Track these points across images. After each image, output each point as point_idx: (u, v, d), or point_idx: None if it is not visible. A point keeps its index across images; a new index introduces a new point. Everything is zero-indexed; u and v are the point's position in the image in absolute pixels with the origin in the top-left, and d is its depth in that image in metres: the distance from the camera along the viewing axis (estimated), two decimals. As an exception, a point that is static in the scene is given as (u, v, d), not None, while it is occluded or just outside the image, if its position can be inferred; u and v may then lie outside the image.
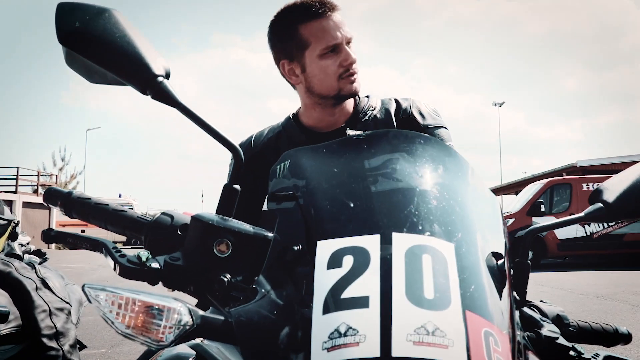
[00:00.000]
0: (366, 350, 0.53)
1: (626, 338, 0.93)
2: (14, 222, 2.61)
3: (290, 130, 1.46)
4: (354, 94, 1.36)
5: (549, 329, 0.79)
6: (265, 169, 1.40)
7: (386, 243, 0.62)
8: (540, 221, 13.03)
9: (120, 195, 30.80)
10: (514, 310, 0.69)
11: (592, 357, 0.77)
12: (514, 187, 29.83)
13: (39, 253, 2.91)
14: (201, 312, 0.61)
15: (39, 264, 2.55)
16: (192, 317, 0.59)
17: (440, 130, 1.43)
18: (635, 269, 11.53)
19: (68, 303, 2.26)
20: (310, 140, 1.36)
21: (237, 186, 0.83)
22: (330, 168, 0.77)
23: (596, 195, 0.90)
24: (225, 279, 0.69)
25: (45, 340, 2.05)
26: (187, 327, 0.59)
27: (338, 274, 0.60)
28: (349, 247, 0.62)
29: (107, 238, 0.77)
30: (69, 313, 2.24)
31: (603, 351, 0.81)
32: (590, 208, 0.89)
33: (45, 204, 0.92)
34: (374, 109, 1.45)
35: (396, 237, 0.63)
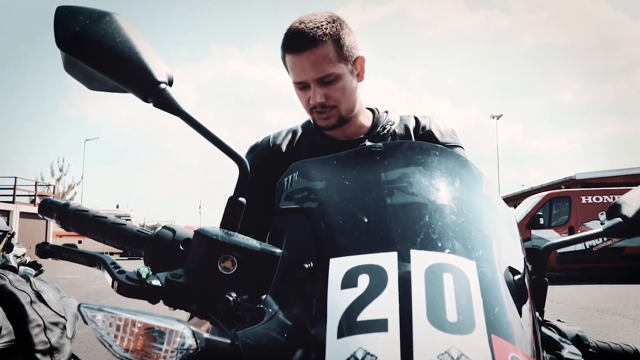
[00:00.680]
0: None
1: None
2: (9, 233, 2.56)
3: (311, 133, 1.45)
4: (326, 128, 1.36)
5: (569, 351, 0.76)
6: (283, 168, 1.39)
7: (404, 261, 0.58)
8: (539, 234, 13.04)
9: (117, 206, 30.70)
10: (538, 333, 0.65)
11: None
12: (513, 200, 29.79)
13: (34, 265, 2.85)
14: (206, 335, 0.56)
15: (35, 276, 2.50)
16: (196, 340, 0.55)
17: (457, 150, 1.42)
18: (636, 283, 11.48)
19: (63, 317, 2.21)
20: (332, 146, 1.38)
21: (242, 199, 0.79)
22: (341, 181, 0.73)
23: (615, 209, 0.87)
24: (231, 298, 0.65)
25: (39, 355, 1.99)
26: (191, 351, 0.55)
27: (353, 294, 0.56)
28: (365, 265, 0.58)
29: (104, 250, 0.73)
30: (64, 327, 2.18)
31: None
32: (609, 223, 0.85)
33: (40, 215, 0.88)
34: (393, 123, 1.45)
35: (415, 254, 0.59)
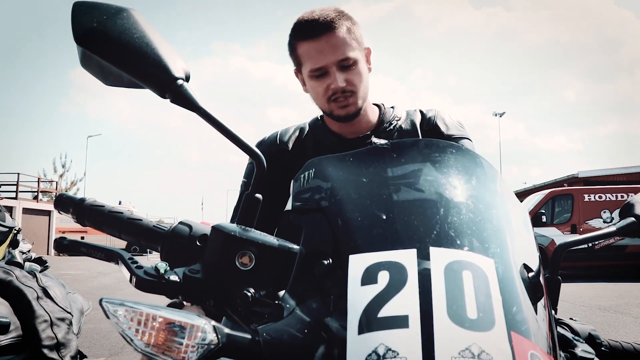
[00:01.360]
0: None
1: None
2: (15, 230, 2.57)
3: (318, 131, 1.44)
4: (345, 118, 1.33)
5: (583, 349, 0.76)
6: (291, 164, 1.34)
7: (423, 258, 0.58)
8: (541, 232, 13.03)
9: (120, 203, 30.74)
10: (555, 330, 0.66)
11: None
12: (515, 198, 29.72)
13: (39, 261, 2.86)
14: (227, 330, 0.56)
15: (40, 272, 2.50)
16: (217, 335, 0.55)
17: (464, 142, 1.41)
18: (638, 281, 11.47)
19: (69, 313, 2.22)
20: (339, 143, 1.38)
21: (259, 195, 0.79)
22: (358, 178, 0.73)
23: (627, 209, 0.87)
24: (249, 294, 0.65)
25: (46, 351, 2.00)
26: (212, 346, 0.55)
27: (373, 290, 0.56)
28: (384, 262, 0.58)
29: (106, 243, 0.73)
30: (70, 323, 2.19)
31: None
32: (622, 222, 0.86)
33: (56, 210, 0.88)
34: (399, 119, 1.44)
35: (434, 251, 0.59)
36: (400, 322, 0.53)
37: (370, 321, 0.54)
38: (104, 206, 0.84)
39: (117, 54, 0.75)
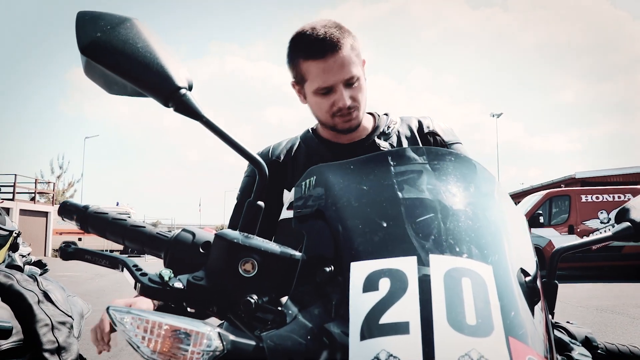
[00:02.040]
0: None
1: None
2: (15, 233, 2.57)
3: (309, 141, 1.49)
4: (350, 130, 1.38)
5: (580, 352, 0.77)
6: (283, 176, 1.44)
7: (423, 265, 0.59)
8: (538, 233, 13.06)
9: (117, 204, 30.65)
10: (552, 334, 0.67)
11: None
12: (513, 199, 29.62)
13: (39, 264, 2.87)
14: (232, 337, 0.58)
15: (40, 275, 2.51)
16: (222, 342, 0.57)
17: (458, 146, 1.47)
18: (634, 281, 11.51)
19: (70, 316, 2.23)
20: (329, 150, 1.44)
21: (261, 202, 0.81)
22: (359, 185, 0.74)
23: (623, 214, 0.88)
24: (252, 300, 0.66)
25: (47, 355, 2.01)
26: (217, 353, 0.56)
27: (375, 297, 0.57)
28: (385, 270, 0.60)
29: (104, 247, 0.74)
30: (71, 327, 2.20)
31: None
32: (618, 227, 0.87)
33: (60, 217, 0.89)
34: (396, 123, 1.48)
35: (433, 259, 0.60)
36: (401, 328, 0.54)
37: (372, 327, 0.55)
38: (107, 213, 0.85)
39: (121, 63, 0.76)
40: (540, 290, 0.67)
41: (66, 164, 35.78)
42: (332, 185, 0.75)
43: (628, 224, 0.86)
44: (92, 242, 26.01)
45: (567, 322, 0.87)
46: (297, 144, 1.50)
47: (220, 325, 0.76)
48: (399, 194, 0.71)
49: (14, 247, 2.58)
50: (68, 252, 0.76)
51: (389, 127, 1.46)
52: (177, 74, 0.78)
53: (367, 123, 1.46)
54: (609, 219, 13.63)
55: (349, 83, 1.31)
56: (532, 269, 0.68)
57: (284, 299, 0.70)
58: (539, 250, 12.77)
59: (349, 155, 1.36)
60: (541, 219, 13.65)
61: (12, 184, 26.67)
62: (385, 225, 0.66)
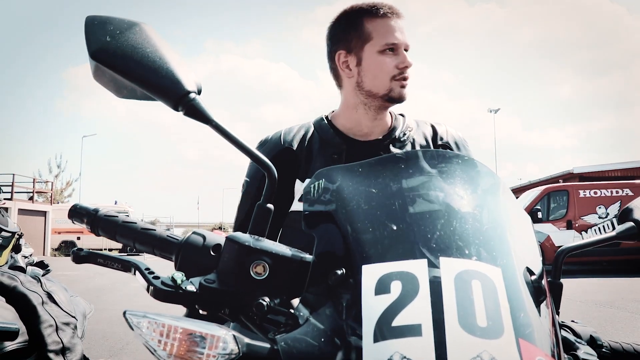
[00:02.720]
0: None
1: None
2: (17, 234, 2.57)
3: (324, 131, 1.45)
4: (402, 99, 1.37)
5: (585, 351, 0.78)
6: (297, 164, 1.42)
7: (434, 268, 0.61)
8: (537, 228, 13.07)
9: (116, 202, 30.53)
10: (559, 334, 0.68)
11: None
12: (510, 194, 29.81)
13: (41, 265, 2.87)
14: (246, 340, 0.59)
15: (42, 275, 2.51)
16: (237, 345, 0.58)
17: None
18: (633, 276, 11.55)
19: (74, 317, 2.23)
20: (345, 142, 1.41)
21: (270, 205, 0.81)
22: (368, 188, 0.75)
23: (627, 213, 0.89)
24: (265, 303, 0.67)
25: (52, 355, 2.02)
26: (233, 356, 0.57)
27: (387, 300, 0.58)
28: (396, 272, 0.61)
29: (102, 246, 0.75)
30: (75, 327, 2.21)
31: None
32: (622, 227, 0.87)
33: (70, 220, 0.89)
34: (411, 130, 1.46)
35: (444, 261, 0.61)
36: (413, 330, 0.55)
37: (385, 330, 0.56)
38: (117, 216, 0.86)
39: (131, 68, 0.77)
40: (546, 289, 0.68)
41: (64, 163, 35.83)
42: (342, 188, 0.76)
43: (632, 223, 0.86)
44: (91, 241, 26.01)
45: (572, 321, 0.88)
46: (311, 132, 1.46)
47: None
48: (408, 197, 0.72)
49: (17, 249, 2.58)
50: (81, 256, 0.77)
51: (404, 133, 1.43)
52: (187, 78, 0.79)
53: (387, 119, 1.44)
54: (607, 214, 13.67)
55: (406, 50, 1.35)
56: (537, 268, 0.69)
57: (296, 301, 0.71)
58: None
59: (363, 155, 1.34)
60: (539, 215, 13.66)
61: (10, 184, 26.62)
62: (395, 228, 0.67)
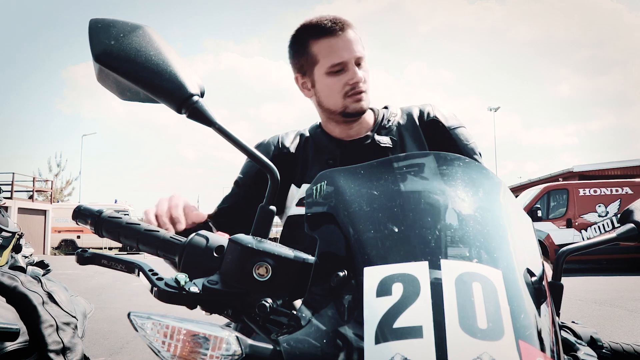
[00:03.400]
0: None
1: None
2: (17, 234, 2.58)
3: (318, 137, 1.48)
4: (359, 112, 1.37)
5: (585, 352, 0.79)
6: (292, 169, 1.45)
7: (435, 270, 0.61)
8: (537, 227, 13.04)
9: (116, 201, 30.48)
10: (559, 335, 0.69)
11: None
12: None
13: (41, 264, 2.88)
14: (249, 341, 0.59)
15: (42, 275, 2.52)
16: (240, 346, 0.58)
17: (461, 130, 1.46)
18: (633, 274, 11.57)
19: (74, 317, 2.24)
20: (337, 147, 1.44)
21: (273, 207, 0.82)
22: (370, 190, 0.76)
23: (627, 215, 0.89)
24: (267, 304, 0.68)
25: (52, 355, 2.02)
26: (236, 357, 0.58)
27: (388, 302, 0.59)
28: (398, 274, 0.61)
29: (102, 245, 0.75)
30: (76, 327, 2.21)
31: None
32: (622, 228, 0.88)
33: (74, 221, 0.90)
34: (396, 115, 1.47)
35: (445, 264, 0.62)
36: (414, 332, 0.56)
37: (387, 332, 0.57)
38: (121, 218, 0.86)
39: (135, 71, 0.78)
40: (546, 290, 0.69)
41: (64, 162, 35.84)
42: (344, 190, 0.77)
43: (632, 225, 0.87)
44: (91, 240, 26.02)
45: (573, 322, 0.89)
46: (306, 138, 1.49)
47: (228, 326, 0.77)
48: (410, 199, 0.72)
49: (17, 249, 2.59)
50: (85, 257, 0.78)
51: (389, 120, 1.45)
52: (190, 81, 0.79)
53: (369, 119, 1.46)
54: (607, 212, 13.68)
55: (359, 63, 1.33)
56: (538, 269, 0.70)
57: (298, 302, 0.71)
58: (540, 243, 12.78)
59: (355, 154, 1.36)
60: (539, 213, 13.67)
61: (10, 183, 26.63)
62: (396, 230, 0.68)
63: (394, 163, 0.80)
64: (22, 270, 2.48)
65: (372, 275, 0.62)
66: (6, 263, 2.49)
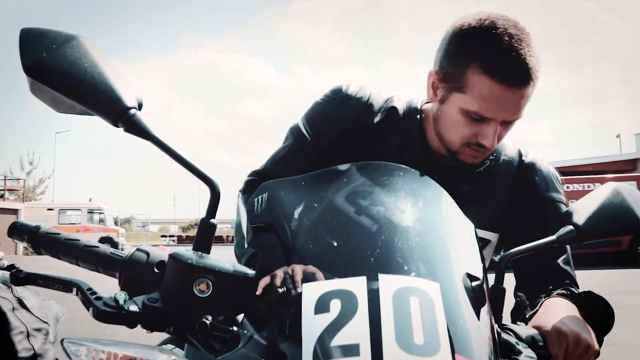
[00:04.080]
0: None
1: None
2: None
3: (412, 131, 1.20)
4: (463, 164, 1.14)
5: (526, 355, 0.79)
6: (358, 145, 1.17)
7: (373, 286, 0.61)
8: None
9: (90, 200, 29.97)
10: (497, 341, 0.70)
11: None
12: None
13: (11, 269, 2.81)
14: None
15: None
16: None
17: (558, 205, 1.23)
18: (601, 268, 11.79)
19: (46, 322, 2.20)
20: (426, 162, 1.18)
21: (214, 220, 0.80)
22: (310, 203, 0.75)
23: (567, 217, 0.89)
24: (207, 322, 0.67)
25: None
26: None
27: (327, 319, 0.59)
28: (336, 291, 0.61)
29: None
30: (47, 333, 2.17)
31: None
32: (562, 230, 0.88)
33: (10, 238, 0.86)
34: (494, 158, 1.23)
35: (382, 279, 0.62)
36: (352, 350, 0.56)
37: (324, 350, 0.56)
38: (59, 234, 0.84)
39: (68, 84, 0.74)
40: (486, 295, 0.69)
41: (37, 160, 35.10)
42: (284, 202, 0.76)
43: (571, 227, 0.87)
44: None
45: (516, 323, 0.89)
46: (399, 120, 1.19)
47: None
48: (349, 212, 0.72)
49: (-15, 253, 2.52)
50: (20, 278, 0.75)
51: (483, 163, 1.20)
52: (127, 93, 0.76)
53: None
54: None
55: (508, 123, 1.07)
56: (479, 274, 0.71)
57: (241, 317, 0.71)
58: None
59: (447, 179, 0.98)
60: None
61: (-20, 182, 26.02)
62: (335, 244, 0.67)
63: (335, 174, 0.79)
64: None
65: (311, 292, 0.62)
66: (-26, 268, 2.42)
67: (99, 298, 0.69)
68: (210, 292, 0.69)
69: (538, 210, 1.20)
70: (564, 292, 1.04)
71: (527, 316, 1.02)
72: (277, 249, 0.71)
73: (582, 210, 0.89)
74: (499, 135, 1.07)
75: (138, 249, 0.78)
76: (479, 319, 0.65)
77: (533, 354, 0.79)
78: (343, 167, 0.81)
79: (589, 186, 14.15)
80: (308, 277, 0.64)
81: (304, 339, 0.58)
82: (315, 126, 1.19)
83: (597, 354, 0.91)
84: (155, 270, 0.75)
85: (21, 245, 27.24)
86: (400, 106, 1.21)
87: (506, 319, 0.88)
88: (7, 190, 28.75)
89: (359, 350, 0.55)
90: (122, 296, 0.69)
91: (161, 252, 0.77)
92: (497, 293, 0.81)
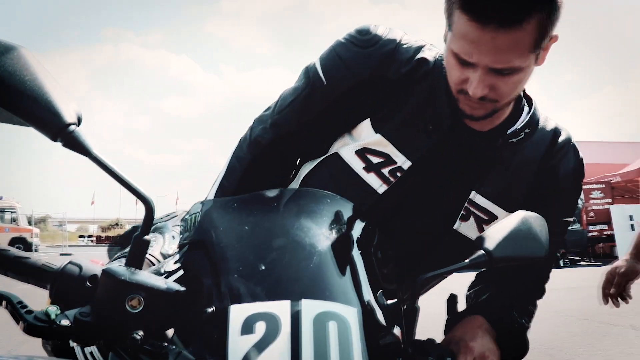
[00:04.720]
0: None
1: None
2: None
3: (440, 90, 1.07)
4: (469, 117, 1.05)
5: None
6: (376, 96, 1.08)
7: (295, 309, 0.65)
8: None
9: (1, 198, 27.36)
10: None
11: None
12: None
13: None
14: None
15: None
16: None
17: (570, 199, 1.20)
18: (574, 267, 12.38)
19: None
20: (452, 122, 1.08)
21: (147, 237, 0.80)
22: (241, 226, 0.79)
23: (479, 242, 0.92)
24: (138, 337, 0.68)
25: None
26: None
27: (251, 340, 0.63)
28: (262, 313, 0.65)
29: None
30: None
31: None
32: (474, 255, 0.91)
33: None
34: (530, 132, 1.13)
35: (305, 303, 0.66)
36: None
37: None
38: None
39: (6, 97, 0.72)
40: (402, 314, 0.76)
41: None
42: (216, 223, 0.79)
43: (482, 252, 0.90)
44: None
45: (428, 339, 0.94)
46: (427, 73, 1.08)
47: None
48: (277, 236, 0.76)
49: None
50: None
51: (518, 134, 1.11)
52: (66, 109, 0.75)
53: (506, 109, 1.11)
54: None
55: (500, 72, 0.95)
56: (394, 297, 0.77)
57: (171, 332, 0.73)
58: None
59: (462, 148, 1.06)
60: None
61: None
62: (263, 268, 0.71)
63: (265, 199, 0.83)
64: None
65: (238, 313, 0.66)
66: None
67: (30, 312, 0.68)
68: (141, 307, 0.71)
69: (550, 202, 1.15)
70: (489, 309, 1.10)
71: (454, 319, 1.07)
72: (207, 269, 0.74)
73: (492, 236, 0.92)
74: (494, 86, 0.96)
75: (70, 262, 0.77)
76: (392, 338, 0.71)
77: None
78: (273, 192, 0.85)
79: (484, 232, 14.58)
80: (235, 299, 0.68)
81: (230, 358, 0.62)
82: (331, 70, 1.09)
83: None
84: (88, 284, 0.76)
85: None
86: (432, 57, 1.09)
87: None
88: None
89: None
90: (53, 310, 0.69)
91: (94, 265, 0.77)
92: (411, 311, 0.85)
